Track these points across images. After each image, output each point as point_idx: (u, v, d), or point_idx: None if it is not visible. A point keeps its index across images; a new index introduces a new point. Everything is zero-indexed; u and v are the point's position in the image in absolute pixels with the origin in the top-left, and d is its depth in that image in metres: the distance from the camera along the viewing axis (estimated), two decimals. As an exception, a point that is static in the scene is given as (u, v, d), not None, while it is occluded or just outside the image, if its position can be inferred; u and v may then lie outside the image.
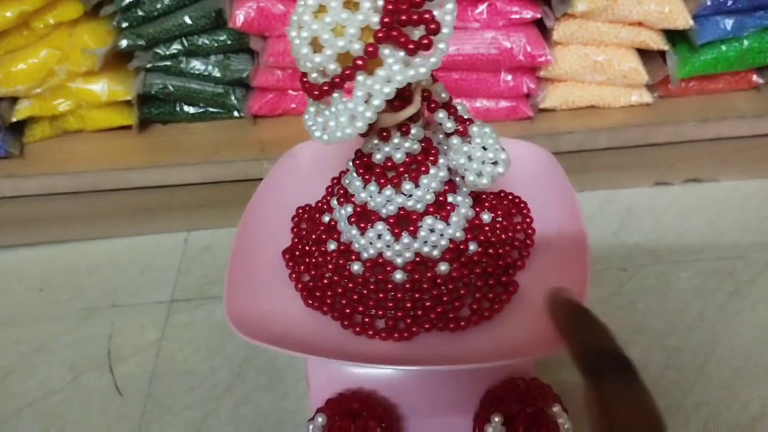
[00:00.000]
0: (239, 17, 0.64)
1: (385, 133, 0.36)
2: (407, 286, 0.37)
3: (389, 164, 0.37)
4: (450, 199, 0.38)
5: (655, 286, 0.65)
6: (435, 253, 0.38)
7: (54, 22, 0.64)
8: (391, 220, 0.38)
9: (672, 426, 0.52)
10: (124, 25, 0.66)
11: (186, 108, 0.71)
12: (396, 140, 0.36)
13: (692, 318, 0.61)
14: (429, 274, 0.38)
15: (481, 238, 0.40)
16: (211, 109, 0.72)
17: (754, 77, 0.70)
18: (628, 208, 0.74)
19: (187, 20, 0.66)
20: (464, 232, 0.39)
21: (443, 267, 0.38)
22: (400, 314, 0.38)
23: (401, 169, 0.37)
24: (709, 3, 0.63)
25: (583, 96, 0.69)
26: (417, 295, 0.38)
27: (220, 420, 0.56)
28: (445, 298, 0.38)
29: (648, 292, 0.64)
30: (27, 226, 0.72)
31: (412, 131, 0.36)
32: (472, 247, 0.39)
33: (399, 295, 0.38)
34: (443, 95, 0.38)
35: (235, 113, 0.72)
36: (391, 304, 0.38)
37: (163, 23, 0.66)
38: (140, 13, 0.65)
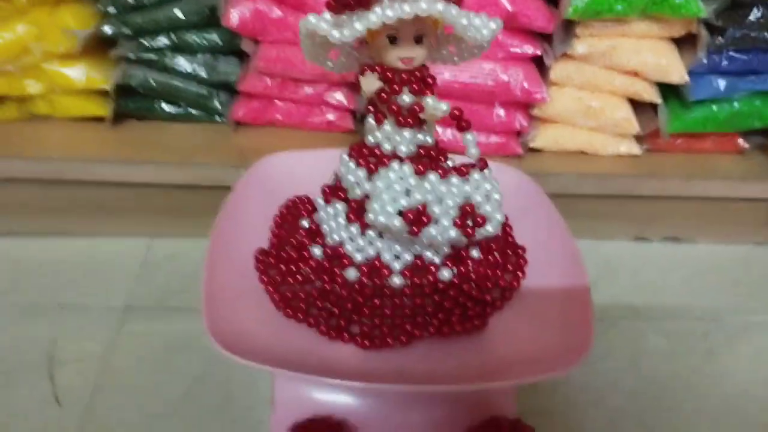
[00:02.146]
0: (234, 16, 0.61)
1: (401, 120, 0.34)
2: (406, 291, 0.35)
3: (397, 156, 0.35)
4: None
5: (630, 340, 0.63)
6: (437, 259, 0.36)
7: (36, -2, 0.61)
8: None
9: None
10: (111, 10, 0.63)
11: (165, 106, 0.68)
12: (407, 133, 0.34)
13: (665, 377, 0.60)
14: (430, 279, 0.35)
15: (461, 269, 0.37)
16: (192, 111, 0.69)
17: (740, 141, 0.70)
18: (607, 261, 0.73)
19: (179, 14, 0.63)
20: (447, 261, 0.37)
21: (447, 274, 0.36)
22: (398, 321, 0.35)
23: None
24: (704, 61, 0.64)
25: (573, 140, 0.68)
26: (418, 301, 0.35)
27: (164, 439, 0.52)
28: (447, 305, 0.35)
29: (622, 346, 0.63)
30: (-25, 212, 0.66)
31: (427, 126, 0.34)
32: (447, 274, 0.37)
33: (397, 301, 0.35)
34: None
35: (217, 117, 0.69)
36: (388, 311, 0.35)
37: (152, 13, 0.63)
38: (130, 0, 0.62)
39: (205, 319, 0.35)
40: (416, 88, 0.35)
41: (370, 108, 0.37)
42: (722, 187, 0.68)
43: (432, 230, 0.34)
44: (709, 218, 0.72)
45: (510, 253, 0.41)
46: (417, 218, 0.33)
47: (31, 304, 0.62)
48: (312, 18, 0.34)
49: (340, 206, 0.38)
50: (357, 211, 0.37)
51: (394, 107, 0.35)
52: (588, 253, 0.72)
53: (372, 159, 0.36)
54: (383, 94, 0.35)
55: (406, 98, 0.35)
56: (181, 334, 0.60)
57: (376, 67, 0.36)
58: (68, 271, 0.66)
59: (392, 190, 0.33)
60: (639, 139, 0.69)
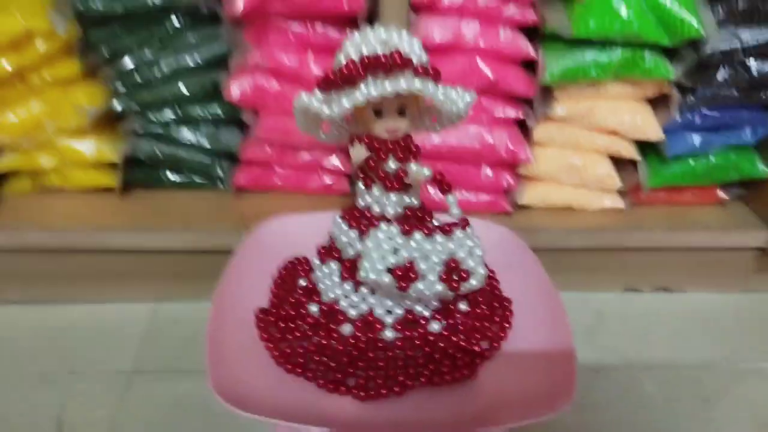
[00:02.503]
0: (235, 90, 0.66)
1: (388, 184, 0.37)
2: (398, 343, 0.37)
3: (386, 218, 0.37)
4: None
5: (626, 389, 0.65)
6: (426, 312, 0.38)
7: (50, 79, 0.65)
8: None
9: None
10: (120, 88, 0.67)
11: (171, 175, 0.72)
12: (394, 197, 0.37)
13: (662, 426, 0.61)
14: (421, 331, 0.38)
15: (450, 321, 0.40)
16: (196, 179, 0.72)
17: (719, 193, 0.74)
18: (599, 312, 0.75)
19: (183, 89, 0.67)
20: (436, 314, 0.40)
21: (436, 326, 0.38)
22: (392, 372, 0.37)
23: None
24: (678, 119, 0.67)
25: (559, 196, 0.71)
26: (409, 353, 0.37)
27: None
28: (437, 356, 0.37)
29: (618, 396, 0.64)
30: (-11, 281, 0.69)
31: (412, 189, 0.37)
32: (436, 326, 0.39)
33: (390, 353, 0.37)
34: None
35: (220, 184, 0.73)
36: (382, 363, 0.37)
37: (159, 90, 0.67)
38: (138, 79, 0.67)
39: (210, 378, 0.37)
40: (401, 155, 0.39)
41: (360, 174, 0.40)
42: (705, 238, 0.71)
43: (420, 285, 0.36)
44: (696, 268, 0.74)
45: (497, 305, 0.43)
46: (405, 274, 0.36)
47: (42, 372, 0.64)
48: (304, 96, 0.38)
49: (334, 265, 0.40)
50: (350, 269, 0.39)
51: (381, 173, 0.39)
52: (580, 305, 0.75)
53: (363, 221, 0.39)
54: (371, 162, 0.39)
55: (392, 165, 0.39)
56: (187, 395, 0.62)
57: (364, 138, 0.39)
58: (78, 336, 0.68)
59: (381, 249, 0.36)
60: (622, 193, 0.73)
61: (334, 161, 0.71)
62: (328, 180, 0.72)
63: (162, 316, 0.71)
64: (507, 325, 0.42)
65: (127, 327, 0.70)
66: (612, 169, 0.70)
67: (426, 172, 0.38)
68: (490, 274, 0.46)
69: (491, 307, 0.43)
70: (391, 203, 0.39)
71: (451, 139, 0.67)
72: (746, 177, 0.72)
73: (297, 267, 0.45)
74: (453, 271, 0.37)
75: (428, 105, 0.41)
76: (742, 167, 0.71)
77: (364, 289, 0.39)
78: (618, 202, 0.72)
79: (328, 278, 0.40)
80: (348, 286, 0.39)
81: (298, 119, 0.40)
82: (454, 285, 0.37)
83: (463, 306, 0.41)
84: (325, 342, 0.39)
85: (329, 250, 0.41)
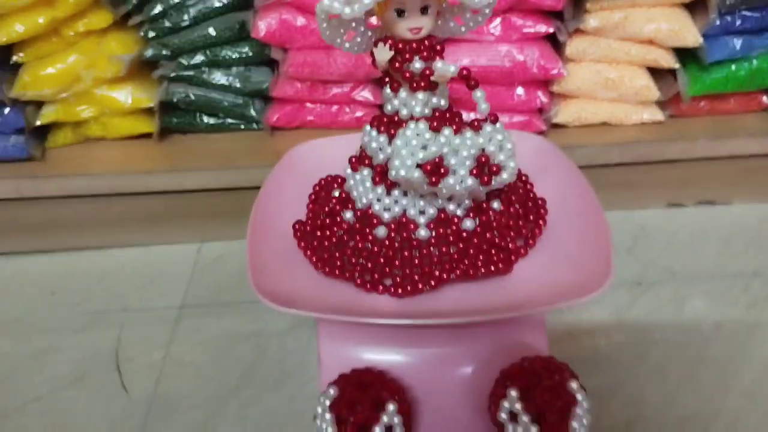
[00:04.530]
0: (261, 28, 0.66)
1: (414, 84, 0.37)
2: (432, 241, 0.38)
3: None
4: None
5: (671, 300, 0.64)
6: (459, 211, 0.38)
7: (83, 30, 0.67)
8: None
9: (692, 433, 0.51)
10: (151, 34, 0.68)
11: (206, 118, 0.73)
12: (421, 96, 0.37)
13: (709, 330, 0.60)
14: (454, 228, 0.38)
15: (483, 218, 0.40)
16: (230, 120, 0.73)
17: (764, 99, 0.71)
18: (642, 227, 0.73)
19: (212, 32, 0.68)
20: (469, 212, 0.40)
21: (469, 223, 0.38)
22: (427, 269, 0.38)
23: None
24: (717, 22, 0.65)
25: (595, 112, 0.70)
26: (444, 249, 0.38)
27: (226, 420, 0.55)
28: (472, 251, 0.38)
29: (663, 306, 0.63)
30: (43, 231, 0.72)
31: (440, 87, 0.37)
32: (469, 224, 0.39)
33: (425, 251, 0.38)
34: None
35: (254, 125, 0.74)
36: (417, 261, 0.38)
37: (188, 34, 0.68)
38: (167, 23, 0.68)
39: (251, 281, 0.38)
40: (426, 54, 0.38)
41: (386, 78, 0.40)
42: (750, 145, 0.68)
43: (450, 180, 0.37)
44: (740, 178, 0.72)
45: (531, 204, 0.43)
46: (435, 169, 0.36)
47: (98, 311, 0.67)
48: (326, 0, 0.38)
49: (366, 171, 0.41)
50: (381, 174, 0.40)
51: (407, 74, 0.39)
52: (622, 222, 0.74)
53: (391, 125, 0.40)
54: (396, 63, 0.39)
55: (417, 64, 0.38)
56: (235, 326, 0.64)
57: (389, 40, 0.39)
58: (127, 279, 0.71)
59: (410, 146, 0.36)
60: (661, 105, 0.71)
61: (365, 94, 0.71)
62: (359, 113, 0.72)
63: (207, 255, 0.74)
64: (542, 223, 0.42)
65: (174, 267, 0.72)
66: (650, 79, 0.68)
67: (452, 68, 0.38)
68: (524, 177, 0.45)
69: (525, 206, 0.43)
70: (419, 103, 0.39)
71: (481, 59, 0.66)
72: (791, 79, 0.69)
73: (331, 183, 0.45)
74: (483, 166, 0.37)
75: (452, 4, 0.40)
76: (787, 69, 0.68)
77: (396, 192, 0.39)
78: (657, 115, 0.70)
79: (361, 185, 0.40)
80: (380, 190, 0.40)
81: (321, 28, 0.40)
82: (486, 179, 0.37)
83: (496, 205, 0.41)
84: (360, 245, 0.40)
85: (360, 158, 0.41)
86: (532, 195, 0.44)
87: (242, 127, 0.74)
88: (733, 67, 0.68)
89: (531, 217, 0.42)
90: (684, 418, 0.53)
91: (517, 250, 0.41)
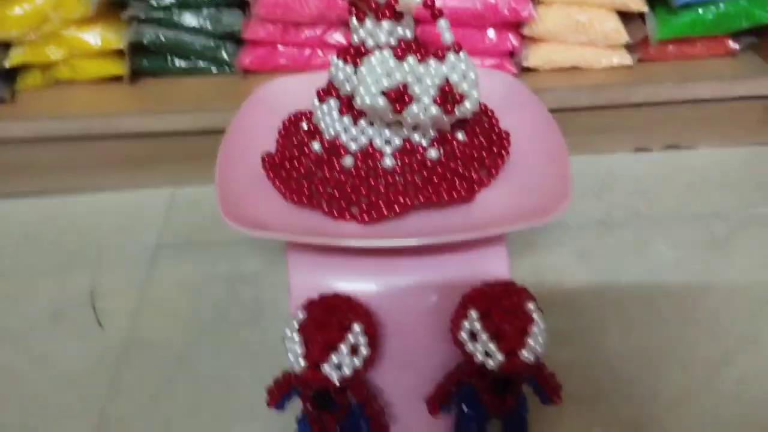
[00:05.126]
0: (232, -34, 0.65)
1: (380, 14, 0.37)
2: (398, 170, 0.39)
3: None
4: None
5: (634, 240, 0.66)
6: (424, 141, 0.39)
7: (50, -31, 0.65)
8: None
9: (650, 362, 0.53)
10: (120, -27, 0.67)
11: (177, 61, 0.73)
12: (386, 25, 0.37)
13: (669, 268, 0.63)
14: (419, 158, 0.39)
15: (447, 148, 0.41)
16: (202, 64, 0.73)
17: (731, 43, 0.72)
18: (610, 171, 0.75)
19: (181, -29, 0.67)
20: (434, 143, 0.40)
21: (433, 153, 0.39)
22: (392, 195, 0.39)
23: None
24: (686, -35, 0.66)
25: (565, 56, 0.71)
26: (408, 177, 0.39)
27: (201, 353, 0.57)
28: (435, 179, 0.39)
29: (626, 245, 0.65)
30: (13, 175, 0.72)
31: (405, 18, 0.38)
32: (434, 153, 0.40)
33: (390, 179, 0.39)
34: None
35: (226, 68, 0.73)
36: (382, 189, 0.39)
37: (157, -27, 0.67)
38: (135, -38, 0.67)
39: (220, 206, 0.39)
40: (391, -16, 0.39)
41: (352, 9, 0.40)
42: (715, 88, 0.70)
43: (414, 108, 0.37)
44: (706, 122, 0.74)
45: (494, 137, 0.44)
46: (399, 97, 0.37)
47: (72, 251, 0.68)
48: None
49: (333, 102, 0.41)
50: (348, 104, 0.41)
51: (372, 4, 0.39)
52: (589, 166, 0.76)
53: (357, 55, 0.40)
54: (362, -7, 0.39)
55: (383, -6, 0.39)
56: (209, 266, 0.65)
57: (354, -30, 0.39)
58: (101, 222, 0.71)
59: (374, 74, 0.37)
60: (630, 49, 0.72)
61: (337, 36, 0.71)
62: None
63: (181, 199, 0.74)
64: (504, 154, 0.43)
65: (148, 211, 0.73)
66: (619, 23, 0.69)
67: None
68: (490, 112, 0.46)
69: (489, 138, 0.44)
70: (384, 33, 0.40)
71: (452, 1, 0.66)
72: (758, 23, 0.70)
73: (300, 117, 0.46)
74: (447, 95, 0.38)
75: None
76: (754, 13, 0.69)
77: (363, 122, 0.40)
78: (626, 59, 0.71)
79: (328, 115, 0.41)
80: (347, 120, 0.40)
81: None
82: (449, 108, 0.38)
83: (460, 136, 0.42)
84: (328, 175, 0.41)
85: (327, 90, 0.42)
86: (496, 128, 0.45)
87: (214, 70, 0.74)
88: (701, 10, 0.69)
89: (494, 149, 0.43)
90: (642, 348, 0.55)
91: (480, 180, 0.42)
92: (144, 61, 0.72)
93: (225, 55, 0.72)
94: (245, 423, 0.51)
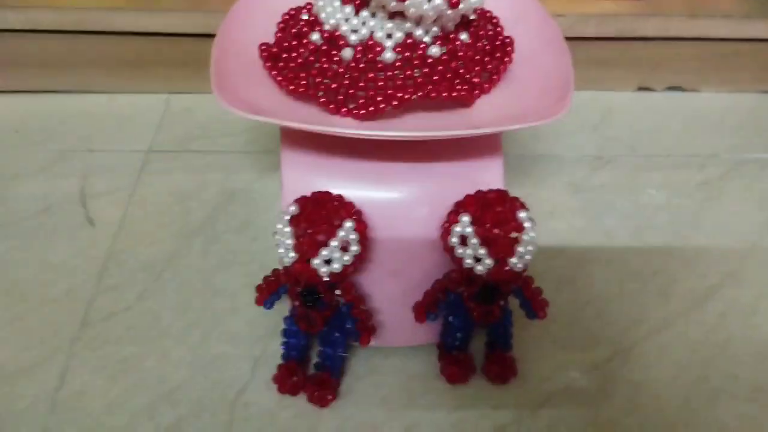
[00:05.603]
0: None
1: None
2: (398, 64, 0.38)
3: None
4: None
5: (627, 174, 0.66)
6: (426, 38, 0.38)
7: None
8: None
9: (632, 293, 0.54)
10: None
11: (177, -39, 0.70)
12: None
13: (660, 203, 0.63)
14: (420, 53, 0.38)
15: (450, 47, 0.40)
16: (203, -35, 0.71)
17: (745, -18, 0.71)
18: (610, 108, 0.74)
19: None
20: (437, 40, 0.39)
21: (435, 50, 0.38)
22: (390, 91, 0.38)
23: None
24: None
25: (576, -18, 0.69)
26: (408, 72, 0.38)
27: (190, 254, 0.57)
28: (436, 77, 0.38)
29: (619, 179, 0.65)
30: (6, 69, 0.70)
31: None
32: (435, 50, 0.39)
33: (389, 73, 0.38)
34: None
35: (227, -28, 0.71)
36: (381, 83, 0.38)
37: None
38: None
39: (213, 86, 0.38)
40: None
41: None
42: (725, 26, 0.69)
43: (418, -4, 0.36)
44: (711, 64, 0.73)
45: (498, 43, 0.43)
46: (404, -17, 0.36)
47: (62, 150, 0.67)
48: None
49: (332, -8, 0.40)
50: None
51: None
52: (591, 102, 0.75)
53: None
54: None
55: None
56: (202, 173, 0.65)
57: None
58: (94, 122, 0.70)
59: (380, -44, 0.36)
60: (642, -19, 0.70)
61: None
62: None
63: (175, 105, 0.73)
64: (507, 60, 0.43)
65: (142, 115, 0.71)
66: (633, -49, 0.67)
67: None
68: (495, 20, 0.45)
69: (492, 43, 0.43)
70: None
71: None
72: (775, -37, 0.68)
73: (300, 9, 0.45)
74: (454, -12, 0.37)
75: None
76: (772, -48, 0.67)
77: (364, 13, 0.39)
78: (637, -9, 0.70)
79: (329, 5, 0.40)
80: (349, 10, 0.39)
81: None
82: (455, 1, 0.37)
83: (464, 36, 0.41)
84: (326, 66, 0.40)
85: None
86: (500, 36, 0.44)
87: (215, -27, 0.71)
88: (719, -56, 0.67)
89: (497, 54, 0.42)
90: (626, 279, 0.55)
91: (481, 85, 0.41)
92: (143, -43, 0.70)
93: (227, -42, 0.70)
94: (232, 322, 0.51)
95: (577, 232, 0.60)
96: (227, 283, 0.54)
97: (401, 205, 0.44)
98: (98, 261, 0.56)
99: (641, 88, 0.76)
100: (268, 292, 0.44)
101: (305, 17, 0.42)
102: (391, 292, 0.46)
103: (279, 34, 0.45)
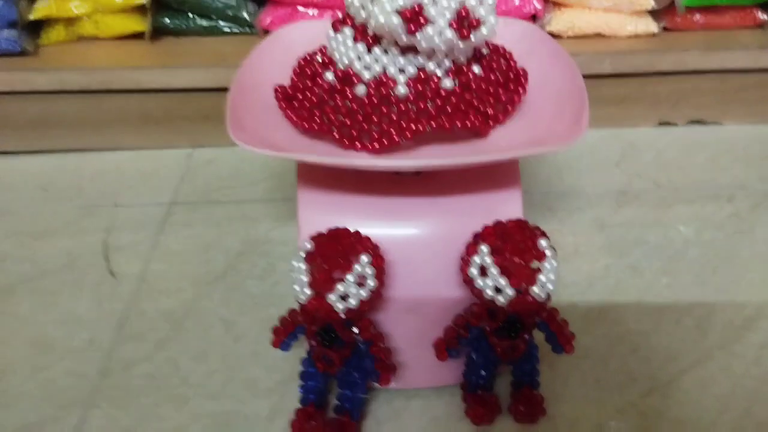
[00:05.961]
0: None
1: None
2: (411, 98, 0.38)
3: None
4: None
5: (654, 208, 0.65)
6: (439, 72, 0.38)
7: None
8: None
9: (666, 327, 0.52)
10: (144, -71, 0.68)
11: (198, 20, 0.73)
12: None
13: (690, 235, 0.61)
14: (433, 87, 0.38)
15: (463, 79, 0.40)
16: (223, 23, 0.73)
17: (759, 14, 0.70)
18: (632, 144, 0.74)
19: (204, -73, 0.67)
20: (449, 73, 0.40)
21: (448, 83, 0.38)
22: (405, 124, 0.38)
23: None
24: (716, -71, 0.64)
25: (589, 21, 0.69)
26: (421, 105, 0.38)
27: (212, 301, 0.56)
28: (449, 108, 0.38)
29: (646, 213, 0.64)
30: (35, 129, 0.72)
31: None
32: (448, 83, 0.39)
33: (403, 107, 0.38)
34: None
35: (247, 29, 0.73)
36: (395, 117, 0.38)
37: (180, -71, 0.68)
38: None
39: (229, 127, 0.38)
40: None
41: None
42: (743, 58, 0.68)
43: (429, 30, 0.37)
44: (732, 96, 0.72)
45: (512, 75, 0.43)
46: (414, 17, 0.36)
47: (89, 205, 0.68)
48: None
49: (347, 30, 0.41)
50: (363, 32, 0.40)
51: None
52: (611, 139, 0.74)
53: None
54: None
55: None
56: (224, 222, 0.65)
57: None
58: (119, 178, 0.72)
59: (390, -6, 0.36)
60: (656, 17, 0.70)
61: None
62: (353, 20, 0.72)
63: (198, 158, 0.74)
64: (521, 91, 0.42)
65: (166, 169, 0.73)
66: (645, -12, 0.68)
67: None
68: (508, 54, 0.46)
69: (506, 76, 0.43)
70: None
71: (475, -38, 0.65)
72: (789, -6, 0.68)
73: (316, 53, 0.46)
74: (463, 19, 0.37)
75: None
76: (785, -17, 0.67)
77: (377, 50, 0.40)
78: (651, 26, 0.70)
79: (342, 44, 0.41)
80: (361, 47, 0.40)
81: None
82: (465, 33, 0.37)
83: (476, 69, 0.41)
84: (340, 103, 0.40)
85: (342, 20, 0.42)
86: (514, 68, 0.44)
87: (235, 30, 0.74)
88: (730, -23, 0.67)
89: (511, 86, 0.42)
90: (659, 311, 0.53)
91: (495, 116, 0.41)
92: (166, 18, 0.73)
93: (246, 15, 0.72)
94: (251, 368, 0.50)
95: (604, 268, 0.58)
96: (248, 329, 0.54)
97: (419, 240, 0.43)
98: (119, 312, 0.56)
99: (662, 123, 0.75)
100: (285, 333, 0.43)
101: (319, 59, 0.42)
102: (411, 331, 0.45)
103: (294, 77, 0.45)
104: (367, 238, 0.41)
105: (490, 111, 0.41)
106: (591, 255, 0.59)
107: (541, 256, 0.39)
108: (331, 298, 0.39)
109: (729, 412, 0.46)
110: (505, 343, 0.42)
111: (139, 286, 0.58)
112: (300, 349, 0.46)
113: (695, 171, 0.69)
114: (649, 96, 0.72)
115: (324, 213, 0.44)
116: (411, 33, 0.37)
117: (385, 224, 0.43)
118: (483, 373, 0.44)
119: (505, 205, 0.43)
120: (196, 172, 0.72)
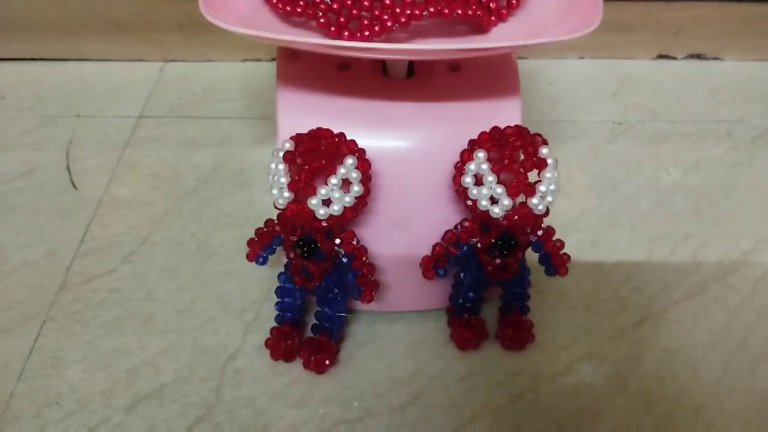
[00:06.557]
0: None
1: None
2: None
3: None
4: None
5: (650, 138, 0.62)
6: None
7: None
8: None
9: (660, 257, 0.50)
10: None
11: None
12: None
13: (687, 166, 0.59)
14: None
15: None
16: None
17: (772, -60, 0.67)
18: (629, 75, 0.70)
19: None
20: None
21: None
22: (398, 9, 0.34)
23: None
24: None
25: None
26: None
27: (181, 216, 0.53)
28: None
29: (642, 143, 0.61)
30: (-8, 32, 0.67)
31: None
32: None
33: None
34: None
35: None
36: (388, 1, 0.34)
37: None
38: None
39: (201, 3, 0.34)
40: None
41: None
42: (752, -14, 0.65)
43: None
44: (734, 29, 0.69)
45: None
46: None
47: (50, 115, 0.63)
48: None
49: None
50: None
51: None
52: (609, 69, 0.71)
53: None
54: None
55: None
56: (195, 137, 0.61)
57: None
58: (85, 89, 0.66)
59: None
60: (663, -62, 0.66)
61: None
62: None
63: (170, 73, 0.69)
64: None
65: (134, 81, 0.68)
66: None
67: None
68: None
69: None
70: None
71: None
72: None
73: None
74: None
75: None
76: None
77: (370, -73, 0.35)
78: (658, -52, 0.66)
79: None
80: None
81: None
82: None
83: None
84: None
85: None
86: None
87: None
88: None
89: (517, -20, 0.38)
90: (652, 242, 0.51)
91: (498, 11, 0.37)
92: None
93: None
94: (224, 286, 0.47)
95: (597, 197, 0.55)
96: (220, 246, 0.50)
97: (409, 149, 0.40)
98: (81, 224, 0.52)
99: (661, 56, 0.72)
100: (261, 245, 0.40)
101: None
102: (397, 248, 0.42)
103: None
104: (353, 141, 0.37)
105: (492, 5, 0.37)
106: (584, 183, 0.57)
107: (542, 164, 0.36)
108: (312, 202, 0.35)
109: (723, 344, 0.44)
110: (497, 262, 0.39)
111: (103, 199, 0.54)
112: (277, 267, 0.43)
113: (693, 104, 0.66)
114: (650, 23, 0.68)
115: (305, 115, 0.40)
116: None
117: (372, 130, 0.40)
118: (471, 294, 0.42)
119: (503, 115, 0.40)
120: (168, 86, 0.67)
